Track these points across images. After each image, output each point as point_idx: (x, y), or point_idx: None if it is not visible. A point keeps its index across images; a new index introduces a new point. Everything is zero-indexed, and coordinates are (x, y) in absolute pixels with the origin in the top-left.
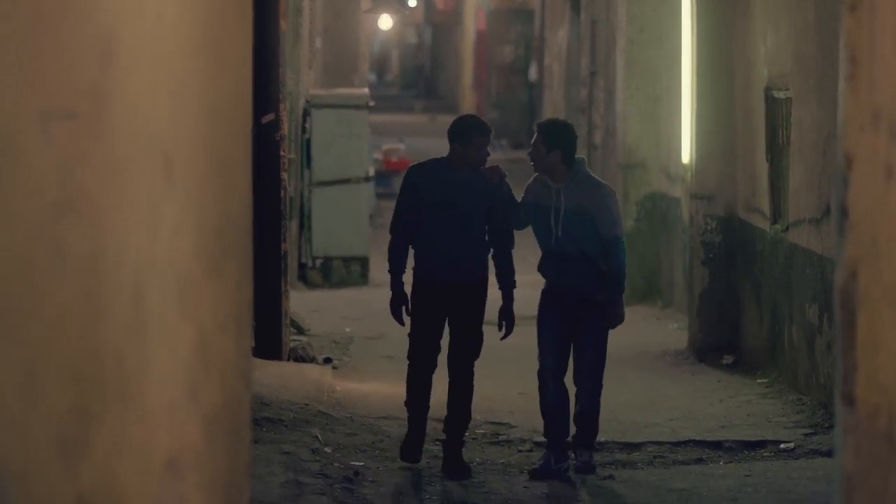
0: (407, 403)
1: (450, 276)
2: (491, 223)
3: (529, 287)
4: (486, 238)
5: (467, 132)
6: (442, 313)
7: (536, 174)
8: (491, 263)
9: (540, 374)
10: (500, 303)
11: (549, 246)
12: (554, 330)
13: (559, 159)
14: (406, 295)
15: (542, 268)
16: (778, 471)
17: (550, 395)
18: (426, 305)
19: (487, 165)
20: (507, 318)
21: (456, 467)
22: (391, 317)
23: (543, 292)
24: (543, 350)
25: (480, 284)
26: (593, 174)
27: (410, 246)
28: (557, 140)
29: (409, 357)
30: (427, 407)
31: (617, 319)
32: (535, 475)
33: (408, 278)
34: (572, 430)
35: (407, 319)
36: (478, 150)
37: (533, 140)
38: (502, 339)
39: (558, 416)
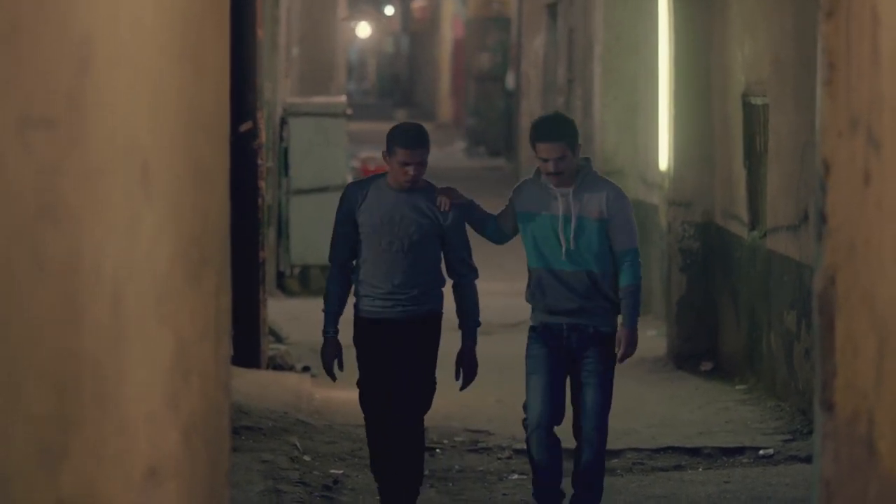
0: (372, 469)
1: (390, 314)
2: (446, 254)
3: (503, 296)
4: (441, 269)
5: (389, 141)
6: (390, 357)
7: (529, 178)
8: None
9: (528, 428)
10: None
11: (552, 264)
12: (547, 376)
13: (577, 159)
14: (339, 344)
15: (537, 293)
16: (757, 477)
17: (544, 454)
18: (372, 348)
19: (440, 186)
20: (466, 364)
21: None
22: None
23: (534, 331)
24: (534, 402)
25: (429, 322)
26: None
27: (351, 280)
28: (577, 136)
29: (362, 409)
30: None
31: (634, 347)
32: None
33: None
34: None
35: (342, 371)
36: (401, 163)
37: (545, 152)
38: (461, 389)
39: (553, 477)
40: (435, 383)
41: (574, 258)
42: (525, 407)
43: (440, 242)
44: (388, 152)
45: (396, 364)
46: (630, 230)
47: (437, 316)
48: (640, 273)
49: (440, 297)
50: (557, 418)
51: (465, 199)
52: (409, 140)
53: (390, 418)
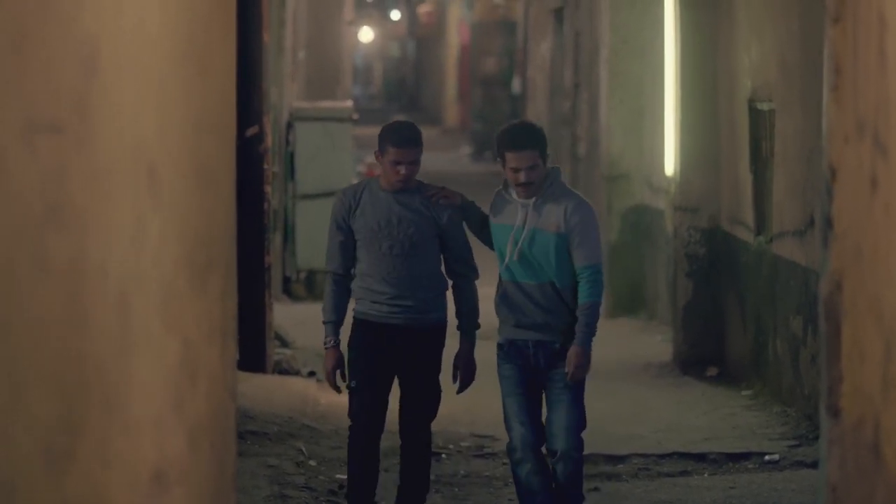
0: (348, 494)
1: (396, 320)
2: (444, 254)
3: None
4: (443, 274)
5: (381, 140)
6: (388, 365)
7: (498, 189)
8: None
9: (513, 453)
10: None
11: (516, 276)
12: (522, 397)
13: (546, 168)
14: (341, 354)
15: (503, 305)
16: (763, 483)
17: (532, 477)
18: (367, 354)
19: (431, 185)
20: (464, 367)
21: None
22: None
23: (501, 349)
24: (516, 424)
25: (434, 330)
26: (569, 187)
27: (350, 288)
28: (547, 144)
29: (349, 416)
30: (373, 501)
31: (584, 367)
32: None
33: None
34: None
35: (345, 382)
36: (392, 162)
37: (515, 161)
38: (458, 392)
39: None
40: (440, 391)
41: (530, 270)
42: (508, 432)
43: (440, 244)
44: (381, 151)
45: (400, 375)
46: (589, 246)
47: (442, 324)
48: (600, 291)
49: (444, 304)
50: (541, 439)
51: (461, 201)
52: (402, 139)
53: (400, 430)
